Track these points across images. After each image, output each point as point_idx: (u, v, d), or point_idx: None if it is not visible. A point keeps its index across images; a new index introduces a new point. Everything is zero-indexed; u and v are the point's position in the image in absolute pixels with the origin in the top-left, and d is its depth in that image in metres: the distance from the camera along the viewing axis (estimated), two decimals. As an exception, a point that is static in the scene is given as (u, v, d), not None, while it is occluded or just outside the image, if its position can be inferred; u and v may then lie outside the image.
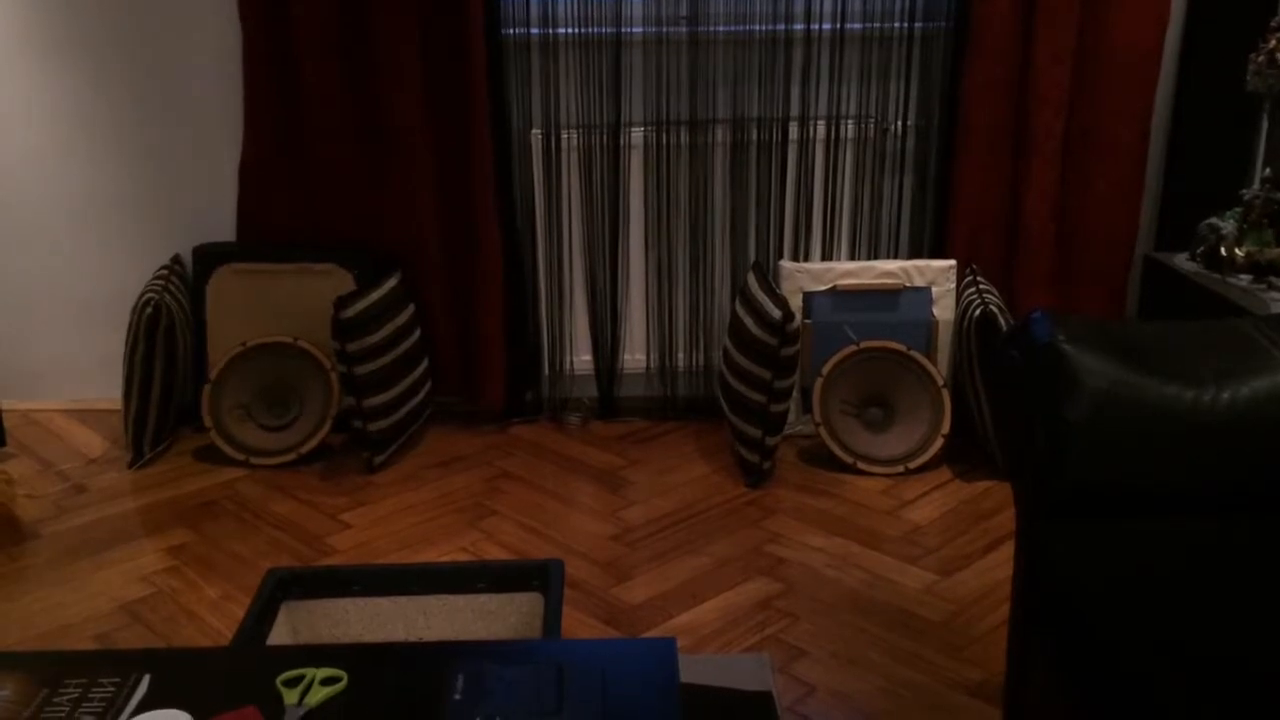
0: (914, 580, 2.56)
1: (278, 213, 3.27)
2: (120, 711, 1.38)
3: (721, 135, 3.20)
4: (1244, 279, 2.84)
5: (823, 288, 3.16)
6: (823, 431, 3.07)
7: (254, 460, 3.13)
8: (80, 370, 3.50)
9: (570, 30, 3.13)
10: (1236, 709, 1.29)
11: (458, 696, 1.38)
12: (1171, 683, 1.33)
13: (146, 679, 1.44)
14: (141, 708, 1.38)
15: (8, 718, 1.36)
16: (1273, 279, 2.80)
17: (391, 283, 3.15)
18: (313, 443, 3.14)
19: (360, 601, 2.03)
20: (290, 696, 1.40)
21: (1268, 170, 2.89)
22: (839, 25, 3.12)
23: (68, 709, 1.37)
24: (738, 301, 3.15)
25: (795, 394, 3.14)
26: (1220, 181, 3.10)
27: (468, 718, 1.34)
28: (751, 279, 3.11)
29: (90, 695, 1.40)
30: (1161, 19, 3.05)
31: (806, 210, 3.25)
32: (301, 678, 1.43)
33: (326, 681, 1.43)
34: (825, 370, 3.08)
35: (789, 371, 2.89)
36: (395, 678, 1.45)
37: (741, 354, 3.01)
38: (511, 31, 3.13)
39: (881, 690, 2.18)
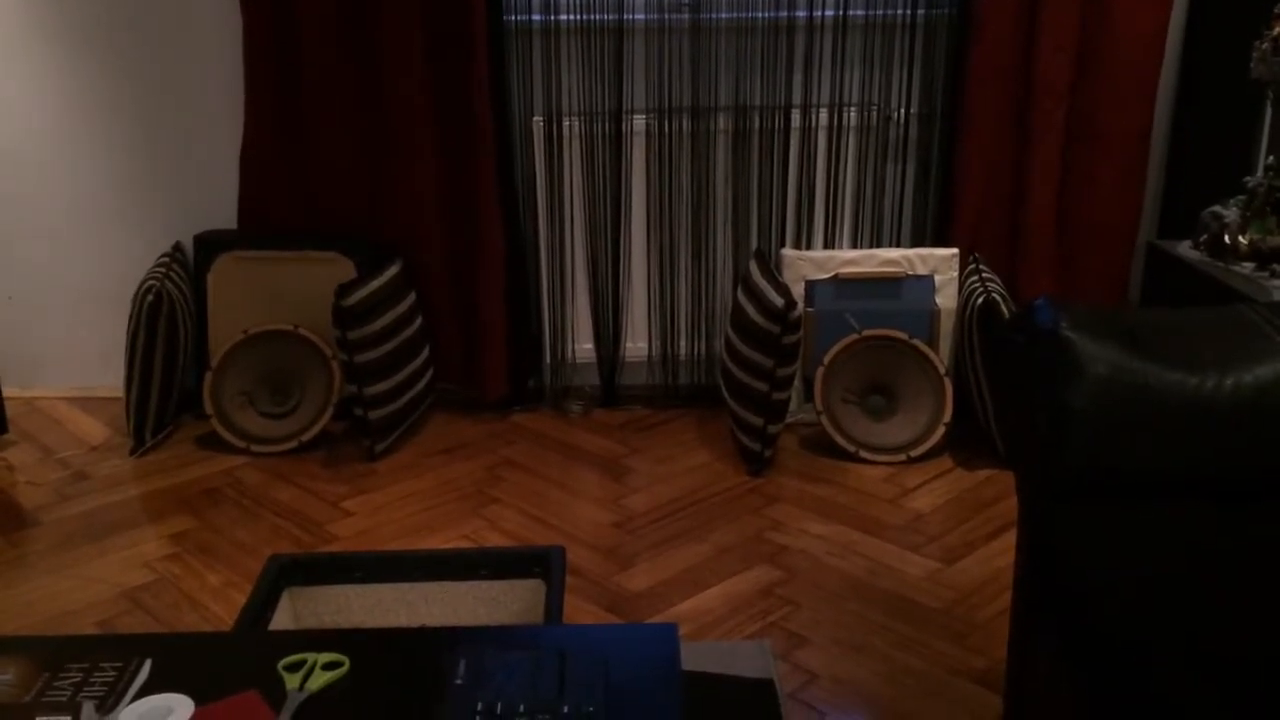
0: (916, 568, 2.56)
1: (279, 200, 3.27)
2: (121, 696, 1.38)
3: (724, 122, 3.19)
4: (1247, 267, 2.83)
5: (825, 276, 3.16)
6: (824, 419, 3.07)
7: (255, 448, 3.13)
8: (82, 357, 3.50)
9: (572, 17, 3.12)
10: (1238, 695, 1.28)
11: (459, 681, 1.38)
12: (1173, 669, 1.33)
13: (148, 664, 1.44)
14: (143, 692, 1.38)
15: (9, 702, 1.36)
16: (1275, 267, 2.79)
17: (393, 270, 3.14)
18: (314, 430, 3.14)
19: (362, 588, 2.04)
20: (292, 681, 1.40)
21: (1271, 158, 2.88)
22: (842, 12, 3.11)
23: (69, 693, 1.37)
24: (739, 289, 3.14)
25: (797, 382, 3.13)
26: (1223, 169, 3.09)
27: (469, 703, 1.34)
28: (753, 267, 3.11)
29: (91, 680, 1.40)
30: (1165, 5, 3.04)
31: (809, 198, 3.25)
32: (303, 663, 1.43)
33: (328, 666, 1.43)
34: (827, 358, 3.08)
35: (791, 359, 2.88)
36: (397, 663, 1.45)
37: (743, 342, 3.01)
38: (514, 18, 3.12)
39: (883, 677, 2.18)
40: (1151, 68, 3.08)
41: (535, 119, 3.20)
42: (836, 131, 3.19)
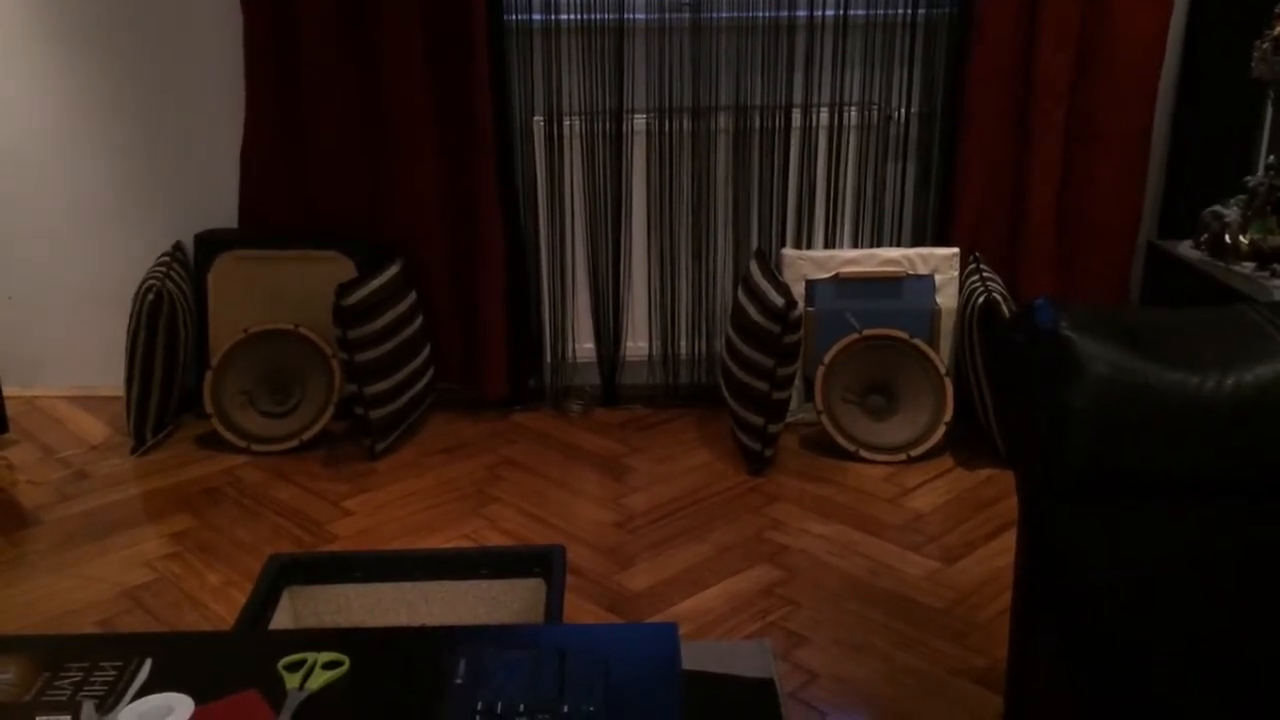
0: (916, 567, 2.56)
1: (279, 199, 3.27)
2: (121, 695, 1.37)
3: (724, 122, 3.19)
4: (1248, 266, 2.83)
5: (825, 275, 3.16)
6: (825, 419, 3.07)
7: (256, 447, 3.13)
8: (82, 357, 3.50)
9: (572, 16, 3.12)
10: (1238, 695, 1.28)
11: (459, 681, 1.38)
12: (1173, 669, 1.33)
13: (148, 663, 1.44)
14: (143, 692, 1.38)
15: (9, 701, 1.36)
16: (1276, 266, 2.79)
17: (393, 270, 3.14)
18: (314, 430, 3.14)
19: (362, 587, 2.04)
20: (292, 681, 1.40)
21: (1272, 157, 2.88)
22: (842, 11, 3.11)
23: (69, 692, 1.37)
24: (740, 289, 3.14)
25: (797, 381, 3.13)
26: (1224, 169, 3.08)
27: (469, 702, 1.34)
28: (754, 266, 3.11)
29: (91, 679, 1.40)
30: (1165, 5, 3.03)
31: (809, 197, 3.24)
32: (303, 662, 1.43)
33: (328, 666, 1.43)
34: (827, 358, 3.08)
35: (791, 359, 2.88)
36: (397, 662, 1.45)
37: (744, 341, 3.01)
38: (514, 17, 3.12)
39: (883, 677, 2.18)
40: (1152, 67, 3.08)
41: (536, 119, 3.19)
42: (837, 131, 3.19)
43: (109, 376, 3.44)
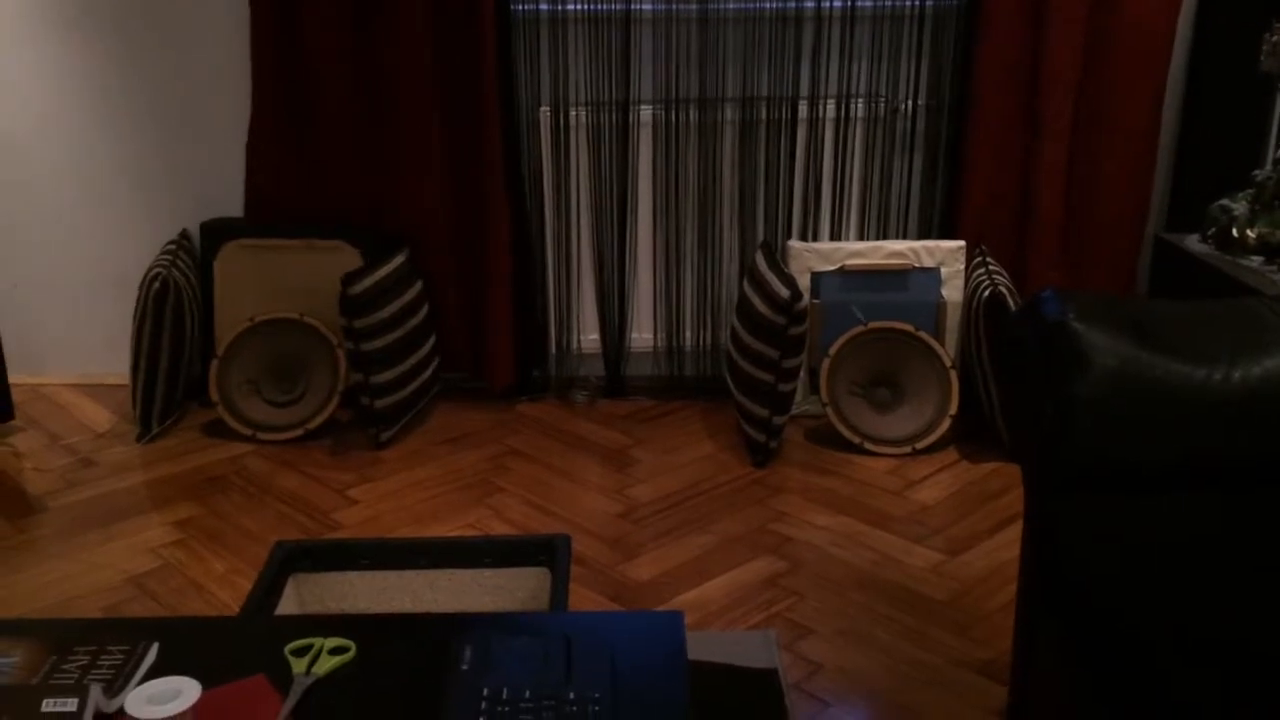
0: (921, 560, 2.56)
1: (285, 188, 3.27)
2: (129, 679, 1.38)
3: (731, 114, 3.19)
4: (1255, 260, 2.83)
5: (831, 267, 3.15)
6: (830, 411, 3.07)
7: (261, 435, 3.13)
8: (88, 345, 3.50)
9: (580, 6, 3.12)
10: (1242, 686, 1.28)
11: (465, 667, 1.39)
12: (1178, 661, 1.33)
13: (155, 647, 1.44)
14: (150, 675, 1.39)
15: (17, 684, 1.36)
16: (1284, 261, 2.79)
17: (399, 259, 3.14)
18: (320, 418, 3.14)
19: (368, 575, 2.04)
20: (298, 666, 1.41)
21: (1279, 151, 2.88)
22: (850, 3, 3.10)
23: (76, 675, 1.38)
24: (746, 281, 3.14)
25: (802, 374, 3.13)
26: (1232, 162, 3.08)
27: (474, 688, 1.34)
28: (760, 258, 3.10)
29: (99, 663, 1.40)
30: (1175, -1, 3.03)
31: (815, 189, 3.24)
32: (310, 647, 1.44)
33: (335, 651, 1.43)
34: (833, 350, 3.08)
35: (796, 351, 2.88)
36: (403, 648, 1.46)
37: (749, 333, 3.01)
38: (521, 7, 3.12)
39: (887, 668, 2.18)
40: (1161, 60, 3.08)
41: (542, 109, 3.19)
42: (844, 123, 3.18)
43: (115, 364, 3.44)
